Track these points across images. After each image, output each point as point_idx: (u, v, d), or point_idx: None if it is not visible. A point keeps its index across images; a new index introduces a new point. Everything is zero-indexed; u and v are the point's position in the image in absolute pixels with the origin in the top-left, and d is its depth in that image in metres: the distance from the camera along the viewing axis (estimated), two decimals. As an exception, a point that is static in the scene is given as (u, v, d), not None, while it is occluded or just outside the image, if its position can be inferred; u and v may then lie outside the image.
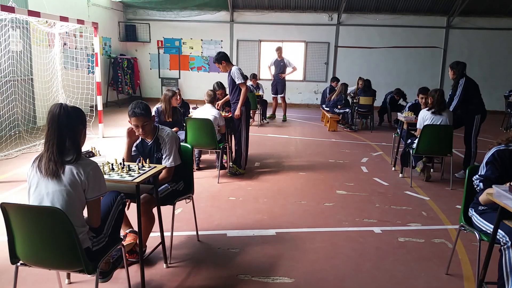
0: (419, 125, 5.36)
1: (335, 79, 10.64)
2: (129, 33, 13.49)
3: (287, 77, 10.88)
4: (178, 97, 6.52)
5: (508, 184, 2.45)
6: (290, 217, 4.25)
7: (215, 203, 4.59)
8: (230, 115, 5.78)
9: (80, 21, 7.34)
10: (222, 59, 5.63)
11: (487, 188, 2.65)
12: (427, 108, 5.38)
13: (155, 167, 2.99)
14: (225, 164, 5.91)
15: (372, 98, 9.42)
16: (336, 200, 4.81)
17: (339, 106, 9.61)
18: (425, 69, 13.45)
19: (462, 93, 5.69)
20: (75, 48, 10.54)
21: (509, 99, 10.35)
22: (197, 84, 13.61)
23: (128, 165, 2.89)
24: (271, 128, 9.66)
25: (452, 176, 5.55)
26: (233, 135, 6.03)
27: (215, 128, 5.36)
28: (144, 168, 2.92)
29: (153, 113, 5.69)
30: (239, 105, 5.53)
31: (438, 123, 5.26)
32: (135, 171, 2.84)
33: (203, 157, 6.46)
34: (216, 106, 6.55)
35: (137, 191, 2.74)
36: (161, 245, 3.19)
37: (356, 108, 9.70)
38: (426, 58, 13.46)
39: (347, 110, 9.56)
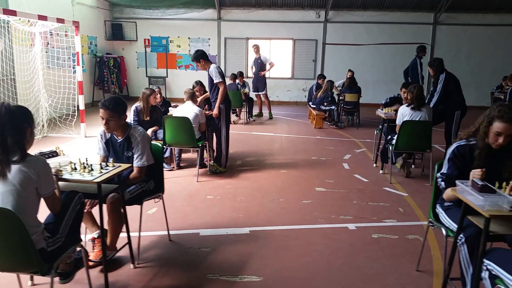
0: (398, 121, 5.35)
1: (321, 76, 10.62)
2: (116, 32, 13.38)
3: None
4: (158, 95, 6.48)
5: (471, 179, 2.44)
6: (266, 215, 4.22)
7: (192, 202, 4.55)
8: (210, 113, 5.73)
9: (60, 20, 7.26)
10: (200, 57, 5.58)
11: (448, 186, 2.63)
12: (406, 104, 5.37)
13: (119, 166, 2.94)
14: (206, 163, 5.87)
15: (357, 95, 9.41)
16: (314, 197, 4.79)
17: (325, 103, 9.59)
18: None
19: (442, 88, 5.70)
20: (59, 48, 10.42)
21: (494, 95, 10.39)
22: (184, 83, 13.43)
23: (91, 165, 2.84)
24: (257, 126, 9.63)
25: (432, 172, 5.53)
26: (214, 133, 5.99)
27: (195, 126, 5.32)
28: (107, 168, 2.87)
29: (131, 112, 5.70)
30: (217, 104, 5.49)
31: (417, 119, 5.24)
32: (97, 170, 2.79)
33: (185, 155, 6.41)
34: (196, 103, 6.51)
35: (98, 191, 2.70)
36: (128, 246, 3.14)
37: (342, 105, 9.69)
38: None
39: (333, 107, 9.54)
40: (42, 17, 6.74)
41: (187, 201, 4.59)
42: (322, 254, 3.40)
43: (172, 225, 3.89)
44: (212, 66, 5.55)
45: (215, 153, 5.88)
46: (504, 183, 2.42)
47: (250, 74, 12.96)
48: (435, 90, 5.75)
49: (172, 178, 5.43)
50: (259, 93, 10.85)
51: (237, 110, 9.97)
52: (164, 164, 5.75)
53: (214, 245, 3.51)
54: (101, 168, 2.83)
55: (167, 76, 13.68)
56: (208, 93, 6.04)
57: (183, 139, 5.21)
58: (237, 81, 10.08)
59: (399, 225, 4.01)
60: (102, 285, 2.82)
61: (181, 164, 5.93)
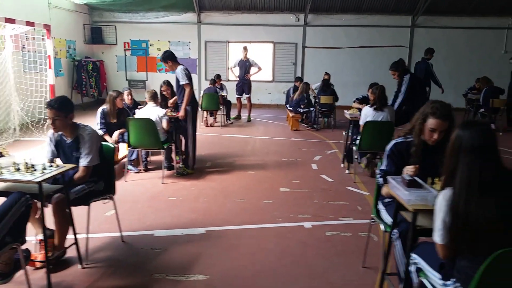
0: (362, 122, 5.41)
1: (298, 78, 10.69)
2: (95, 36, 13.32)
3: (252, 78, 10.87)
4: (130, 97, 6.48)
5: (402, 176, 2.49)
6: (225, 215, 4.23)
7: (153, 204, 4.55)
8: (178, 115, 5.74)
9: (30, 23, 7.23)
10: (168, 58, 5.60)
11: (386, 182, 2.68)
12: (369, 105, 5.44)
13: (63, 166, 2.94)
14: (175, 164, 5.86)
15: (332, 97, 9.49)
16: (277, 197, 4.82)
17: (302, 106, 9.65)
18: (391, 68, 13.59)
19: (406, 89, 5.77)
20: (35, 52, 10.35)
21: (467, 96, 10.54)
22: (165, 86, 13.49)
23: (33, 165, 2.84)
24: (233, 129, 9.65)
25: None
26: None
27: (159, 128, 5.33)
28: (51, 168, 2.87)
29: (98, 114, 5.69)
30: (183, 106, 5.51)
31: (379, 119, 5.31)
32: (39, 171, 2.79)
33: (156, 158, 6.40)
34: (158, 104, 6.52)
35: (39, 191, 2.70)
36: (75, 246, 3.13)
37: (318, 107, 9.76)
38: (392, 57, 13.34)
39: (311, 109, 9.61)
40: (10, 20, 6.70)
41: (149, 202, 4.59)
42: (273, 253, 3.43)
43: (129, 226, 3.89)
44: (179, 68, 5.58)
45: (183, 155, 5.89)
46: (436, 179, 2.47)
47: (231, 77, 13.03)
48: (399, 91, 5.84)
49: (138, 180, 5.42)
50: (244, 95, 10.79)
51: (214, 113, 9.98)
52: (131, 167, 5.77)
53: (167, 246, 3.51)
54: (44, 168, 2.83)
55: (147, 79, 13.65)
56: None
57: (147, 141, 5.21)
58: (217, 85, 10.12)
59: (354, 223, 4.06)
60: (46, 285, 2.81)
61: (149, 166, 5.92)
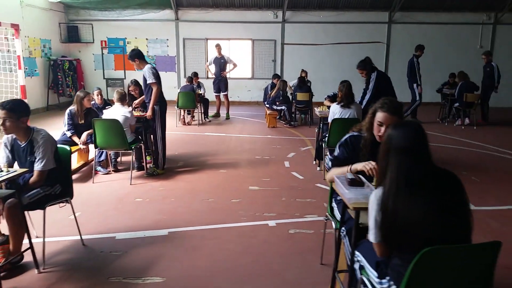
0: (329, 119, 5.45)
1: (276, 76, 10.70)
2: (72, 34, 13.14)
3: (231, 75, 10.84)
4: (100, 97, 6.41)
5: (346, 175, 2.52)
6: (190, 216, 4.23)
7: (119, 206, 4.52)
8: (146, 115, 5.70)
9: (-3, 23, 7.08)
10: (135, 57, 5.55)
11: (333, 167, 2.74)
12: (336, 102, 5.48)
13: (14, 171, 2.90)
14: (146, 165, 5.82)
15: (308, 94, 9.53)
16: (245, 196, 4.83)
17: (277, 103, 9.68)
18: (369, 64, 13.68)
19: (374, 86, 5.82)
20: (7, 52, 10.16)
21: (442, 91, 10.68)
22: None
23: (-19, 170, 2.80)
24: (211, 127, 9.63)
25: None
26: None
27: (126, 129, 5.29)
28: (1, 173, 2.83)
29: (65, 115, 5.62)
30: (150, 105, 5.47)
31: (346, 117, 5.35)
32: (-13, 176, 2.75)
33: (127, 158, 6.35)
34: (133, 105, 6.47)
35: (-13, 197, 2.66)
36: (31, 251, 3.10)
37: (295, 104, 9.80)
38: (370, 53, 13.39)
39: (283, 107, 9.63)
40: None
41: (114, 204, 4.55)
42: (233, 252, 3.44)
43: (91, 229, 3.86)
44: (147, 67, 5.53)
45: (154, 155, 5.86)
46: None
47: (210, 74, 12.98)
48: (367, 88, 5.88)
49: (106, 181, 5.38)
50: (221, 93, 10.78)
51: (191, 111, 9.94)
52: (100, 168, 5.72)
53: (127, 248, 3.50)
54: (-6, 173, 2.79)
55: (125, 78, 13.51)
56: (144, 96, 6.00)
57: (113, 141, 5.16)
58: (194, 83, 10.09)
59: (318, 220, 4.09)
60: (-4, 292, 2.77)
61: (119, 167, 5.88)
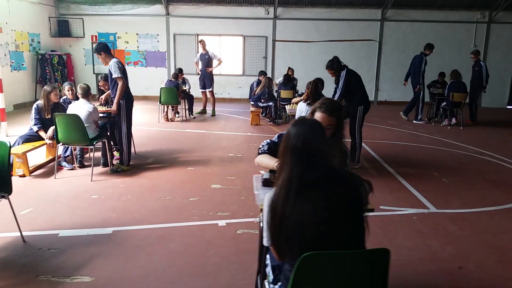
0: (296, 117, 5.35)
1: (262, 73, 10.61)
2: (62, 29, 13.10)
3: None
4: (71, 92, 6.35)
5: (262, 176, 2.45)
6: (141, 214, 4.16)
7: (72, 202, 4.46)
8: (110, 110, 5.63)
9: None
10: (101, 50, 5.47)
11: (263, 153, 2.74)
12: (303, 100, 5.38)
13: None
14: (111, 161, 5.76)
15: (292, 91, 9.42)
16: (204, 194, 4.76)
17: (262, 100, 9.59)
18: (361, 62, 13.46)
19: (344, 84, 5.72)
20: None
21: (430, 90, 10.53)
22: (133, 79, 13.25)
23: None
24: (193, 123, 9.56)
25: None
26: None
27: (89, 124, 5.24)
28: None
29: (32, 110, 5.57)
30: (115, 100, 5.40)
31: (313, 115, 5.25)
32: None
33: (98, 153, 6.28)
34: (100, 100, 6.42)
35: None
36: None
37: (280, 101, 9.70)
38: (363, 51, 13.59)
39: (271, 103, 9.54)
40: None
41: (68, 201, 4.50)
42: (173, 252, 3.37)
43: (36, 225, 3.82)
44: (113, 61, 5.46)
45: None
46: None
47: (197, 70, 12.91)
48: (337, 86, 5.78)
49: (68, 177, 5.33)
50: (206, 90, 10.71)
51: (175, 107, 9.87)
52: (65, 163, 5.67)
53: (66, 246, 3.44)
54: None
55: (115, 73, 13.45)
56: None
57: (75, 137, 5.11)
58: (180, 80, 10.03)
59: (269, 221, 4.00)
60: None
61: (85, 163, 5.82)
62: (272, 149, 2.72)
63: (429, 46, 9.91)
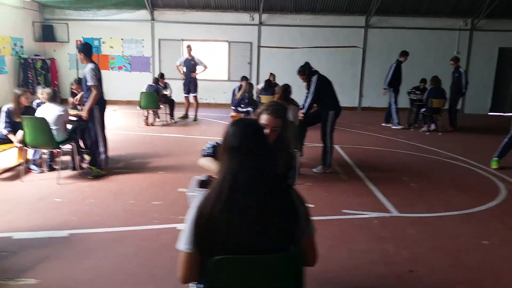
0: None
1: (244, 78, 10.62)
2: (47, 33, 13.10)
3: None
4: (43, 95, 6.32)
5: (197, 179, 2.46)
6: (101, 218, 4.14)
7: (35, 205, 4.43)
8: (81, 115, 5.61)
9: None
10: (82, 51, 5.40)
11: (206, 156, 2.80)
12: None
13: None
14: (80, 164, 5.73)
15: (272, 96, 9.42)
16: (169, 198, 4.74)
17: (242, 105, 9.60)
18: (346, 69, 13.62)
19: (314, 90, 5.75)
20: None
21: (410, 96, 10.61)
22: (118, 84, 13.31)
23: None
24: (174, 128, 9.55)
25: (310, 171, 5.61)
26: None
27: (58, 128, 5.22)
28: None
29: (2, 114, 5.55)
30: (87, 107, 5.35)
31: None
32: None
33: (68, 157, 6.25)
34: (73, 102, 6.41)
35: None
36: None
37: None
38: (347, 58, 13.67)
39: (249, 109, 9.55)
40: None
41: (31, 204, 4.46)
42: (124, 256, 3.35)
43: (-4, 228, 3.79)
44: (90, 66, 5.42)
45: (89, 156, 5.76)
46: None
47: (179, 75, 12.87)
48: (309, 91, 5.81)
49: (35, 180, 5.29)
50: (190, 94, 10.71)
51: (154, 112, 9.86)
52: (34, 167, 5.64)
53: (18, 249, 3.41)
54: None
55: (99, 78, 13.43)
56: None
57: (41, 140, 5.08)
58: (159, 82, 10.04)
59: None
60: None
61: (55, 166, 5.78)
62: (217, 151, 2.73)
63: (403, 53, 10.07)
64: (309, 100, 5.77)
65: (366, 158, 6.95)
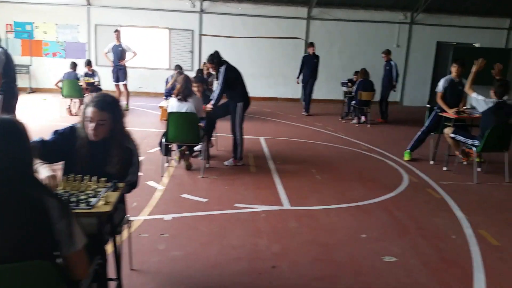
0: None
1: (177, 67, 10.39)
2: (-28, 15, 12.28)
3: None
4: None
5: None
6: None
7: None
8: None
9: None
10: None
11: None
12: (174, 95, 5.26)
13: None
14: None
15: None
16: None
17: (172, 95, 9.37)
18: (288, 60, 13.52)
19: (223, 80, 5.65)
20: None
21: (342, 87, 10.74)
22: (52, 71, 12.68)
23: None
24: (100, 118, 9.18)
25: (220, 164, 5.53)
26: None
27: None
28: None
29: None
30: None
31: (183, 111, 5.14)
32: None
33: None
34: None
35: None
36: None
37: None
38: (289, 49, 13.62)
39: (180, 98, 9.35)
40: None
41: None
42: None
43: None
44: None
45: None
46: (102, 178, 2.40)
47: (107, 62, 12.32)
48: (218, 82, 5.71)
49: None
50: (119, 83, 10.37)
51: (79, 101, 9.47)
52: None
53: None
54: None
55: (31, 65, 12.79)
56: None
57: None
58: (86, 69, 9.63)
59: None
60: None
61: None
62: (47, 147, 2.55)
63: (311, 44, 10.73)
64: (217, 90, 5.66)
65: (284, 150, 6.94)
